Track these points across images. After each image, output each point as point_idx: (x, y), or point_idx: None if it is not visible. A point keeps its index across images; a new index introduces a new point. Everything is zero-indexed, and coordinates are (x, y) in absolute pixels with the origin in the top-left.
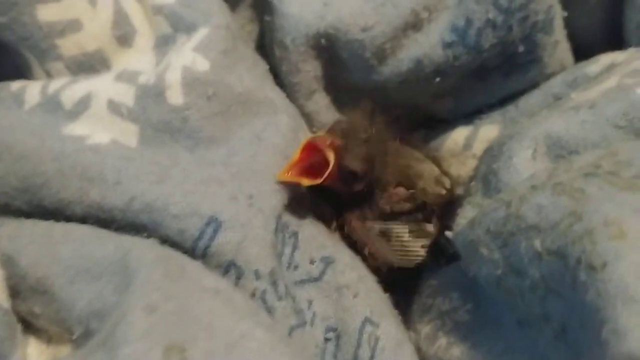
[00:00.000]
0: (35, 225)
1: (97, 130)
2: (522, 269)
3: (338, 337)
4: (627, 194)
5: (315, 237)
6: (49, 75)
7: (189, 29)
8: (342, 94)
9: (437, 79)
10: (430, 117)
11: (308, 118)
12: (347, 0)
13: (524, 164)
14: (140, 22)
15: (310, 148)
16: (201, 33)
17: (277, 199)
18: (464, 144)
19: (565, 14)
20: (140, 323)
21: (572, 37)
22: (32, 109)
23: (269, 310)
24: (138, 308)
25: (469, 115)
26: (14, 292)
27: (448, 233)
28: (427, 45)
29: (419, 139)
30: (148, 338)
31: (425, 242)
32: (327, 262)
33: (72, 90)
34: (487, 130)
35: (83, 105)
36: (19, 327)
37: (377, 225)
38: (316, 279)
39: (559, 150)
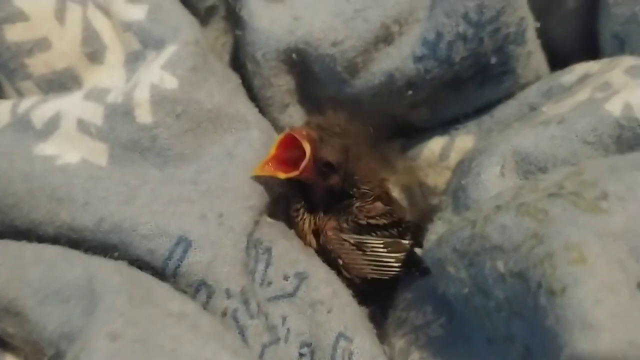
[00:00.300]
0: (6, 247)
1: (67, 150)
2: (488, 289)
3: (312, 353)
4: (590, 217)
5: (289, 253)
6: (19, 94)
7: (158, 45)
8: (317, 106)
9: (410, 92)
10: (407, 126)
11: (282, 131)
12: (317, 14)
13: (492, 181)
14: (110, 39)
15: (287, 142)
16: (169, 50)
17: (248, 216)
18: (440, 153)
19: (538, 24)
20: (103, 350)
21: (547, 46)
22: (2, 128)
23: (241, 329)
24: (101, 335)
25: (446, 125)
26: None
27: (418, 250)
28: (399, 58)
29: (397, 148)
30: None
31: (400, 256)
32: (301, 277)
33: (42, 109)
34: (463, 141)
35: (53, 125)
36: None
37: (353, 238)
38: (290, 295)
39: (528, 166)
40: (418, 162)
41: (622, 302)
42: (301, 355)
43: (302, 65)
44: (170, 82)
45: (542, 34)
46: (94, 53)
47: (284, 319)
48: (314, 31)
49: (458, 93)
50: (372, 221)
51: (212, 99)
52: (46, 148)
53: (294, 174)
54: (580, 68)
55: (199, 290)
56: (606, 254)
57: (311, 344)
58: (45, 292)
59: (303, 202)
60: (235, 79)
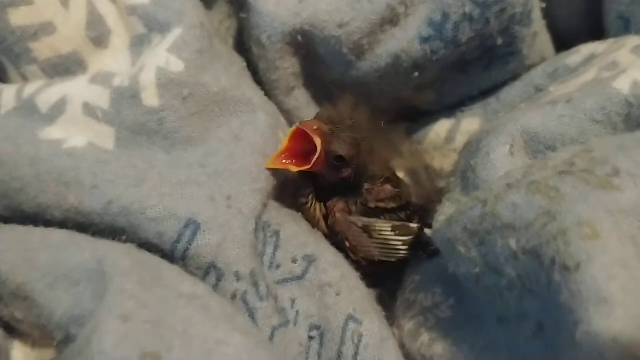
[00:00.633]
0: (13, 231)
1: (74, 134)
2: (499, 267)
3: (322, 335)
4: (601, 193)
5: (297, 236)
6: (24, 78)
7: (163, 29)
8: (322, 89)
9: (416, 73)
10: (413, 109)
11: (288, 115)
12: None
13: (502, 160)
14: (115, 23)
15: (299, 135)
16: (175, 33)
17: (256, 198)
18: (446, 136)
19: (544, 5)
20: (115, 332)
21: (552, 27)
22: (7, 113)
23: (251, 312)
24: (113, 317)
25: (451, 108)
26: None
27: (428, 231)
28: (405, 40)
29: (402, 131)
30: (123, 347)
31: (408, 239)
32: (310, 260)
33: (48, 94)
34: (469, 123)
35: (58, 109)
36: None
37: (361, 221)
38: (299, 278)
39: (537, 146)
40: (424, 145)
41: (636, 277)
42: (310, 337)
43: (307, 48)
44: (177, 65)
45: (547, 15)
46: (99, 37)
47: (293, 301)
48: (320, 13)
49: (464, 75)
50: (381, 204)
51: (218, 82)
52: (52, 132)
53: (305, 167)
54: (586, 49)
55: (208, 273)
56: (618, 229)
57: (320, 326)
58: (54, 276)
59: (312, 190)
60: (240, 62)
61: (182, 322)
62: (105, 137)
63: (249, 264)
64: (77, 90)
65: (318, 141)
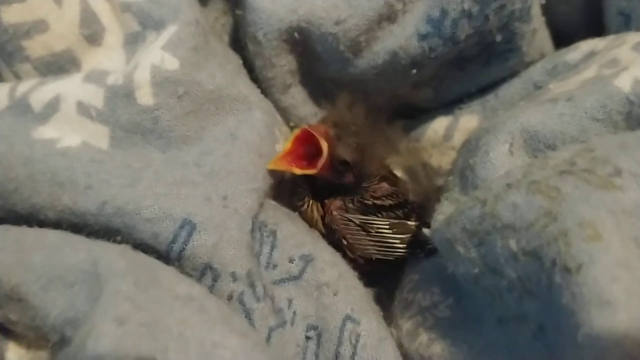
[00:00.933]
0: (7, 232)
1: (67, 133)
2: (499, 268)
3: (319, 336)
4: (603, 193)
5: (294, 235)
6: (17, 77)
7: (158, 26)
8: (319, 87)
9: (414, 71)
10: (411, 107)
11: (285, 113)
12: None
13: (501, 159)
14: (109, 20)
15: (303, 137)
16: (170, 30)
17: (252, 198)
18: (444, 134)
19: (543, 1)
20: (111, 335)
21: (551, 23)
22: (0, 112)
23: (247, 312)
24: (108, 319)
25: (449, 105)
26: None
27: (426, 230)
28: (403, 37)
29: (400, 128)
30: (118, 351)
31: (405, 237)
32: (307, 260)
33: (41, 92)
34: (467, 120)
35: (52, 107)
36: None
37: (358, 218)
38: (296, 278)
39: (537, 145)
40: (421, 142)
41: (638, 278)
42: (308, 338)
43: (304, 45)
44: (171, 63)
45: (546, 11)
46: (92, 35)
47: (290, 301)
48: (316, 10)
49: (463, 72)
50: (378, 202)
51: (213, 80)
52: (46, 131)
53: (311, 171)
54: (586, 45)
55: (204, 273)
56: (621, 230)
57: (318, 326)
58: (48, 277)
59: (309, 191)
60: (236, 60)
61: (178, 324)
62: (99, 136)
63: (245, 264)
64: (70, 88)
65: (325, 145)
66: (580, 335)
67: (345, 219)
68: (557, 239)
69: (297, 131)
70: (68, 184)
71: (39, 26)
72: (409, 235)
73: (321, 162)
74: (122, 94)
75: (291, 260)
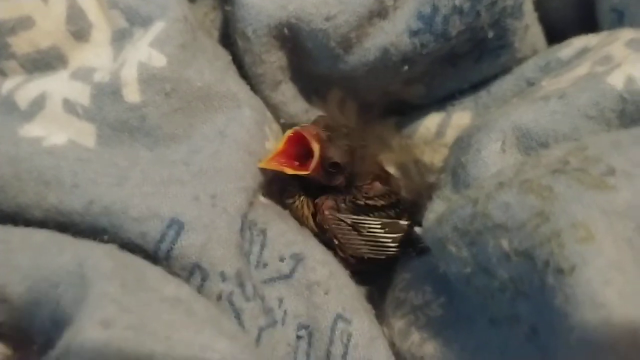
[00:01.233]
0: None
1: (54, 131)
2: (491, 268)
3: (310, 335)
4: (595, 193)
5: (285, 234)
6: (3, 74)
7: (145, 22)
8: (309, 83)
9: (405, 67)
10: (402, 103)
11: (275, 110)
12: None
13: (493, 157)
14: (96, 17)
15: (294, 139)
16: (157, 27)
17: (242, 197)
18: (436, 131)
19: None
20: (96, 339)
21: (544, 19)
22: None
23: (237, 313)
24: (94, 322)
25: (441, 102)
26: None
27: (417, 229)
28: (394, 33)
29: (392, 125)
30: (104, 354)
31: (397, 236)
32: (298, 259)
33: (26, 89)
34: (460, 117)
35: (38, 105)
36: None
37: (349, 218)
38: (287, 277)
39: (529, 142)
40: (413, 139)
41: (632, 281)
42: (299, 337)
43: (294, 41)
44: (159, 60)
45: (539, 7)
46: (79, 31)
47: (281, 301)
48: (306, 6)
49: (454, 68)
50: (370, 202)
51: (202, 77)
52: (32, 129)
53: (303, 172)
54: (579, 42)
55: (192, 273)
56: (614, 231)
57: (309, 326)
58: (33, 278)
59: (300, 189)
60: (225, 56)
61: (165, 327)
62: (86, 134)
63: (234, 263)
64: (56, 86)
65: (316, 147)
66: (573, 338)
67: (337, 218)
68: (550, 240)
69: (288, 132)
70: (54, 183)
71: (24, 22)
72: (401, 234)
73: (313, 164)
74: (108, 92)
75: (282, 259)
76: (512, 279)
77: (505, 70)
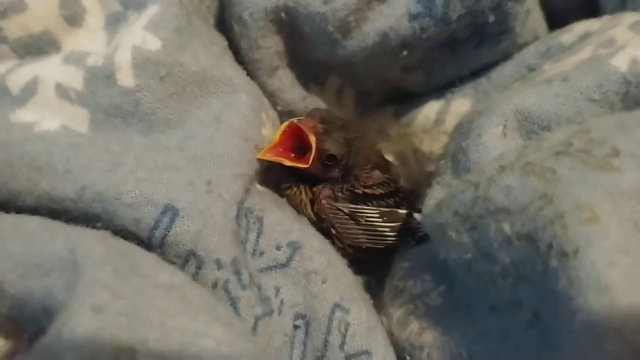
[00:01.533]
0: None
1: (46, 116)
2: (492, 253)
3: (307, 324)
4: (600, 175)
5: (282, 222)
6: None
7: (140, 6)
8: (307, 69)
9: (405, 52)
10: (401, 91)
11: (272, 96)
12: None
13: (494, 142)
14: (90, 1)
15: (291, 131)
16: (152, 10)
17: (238, 183)
18: (435, 118)
19: None
20: (87, 324)
21: (545, 4)
22: None
23: (233, 301)
24: (85, 308)
25: (441, 89)
26: None
27: (417, 215)
28: (393, 17)
29: (390, 113)
30: (95, 341)
31: (396, 225)
32: (295, 247)
33: (18, 74)
34: (459, 104)
35: (30, 90)
36: None
37: (347, 207)
38: (283, 265)
39: (531, 126)
40: (412, 128)
41: (637, 263)
42: (296, 327)
43: (291, 26)
44: (153, 44)
45: None
46: (72, 16)
47: (277, 290)
48: None
49: (454, 54)
50: (369, 191)
51: (197, 61)
52: (24, 115)
53: (302, 165)
54: (580, 27)
55: (187, 261)
56: (619, 213)
57: (306, 315)
58: (25, 266)
59: (297, 178)
60: (221, 41)
61: (159, 313)
62: (79, 119)
63: (230, 251)
64: (49, 70)
65: (313, 139)
66: (577, 322)
67: (334, 207)
68: (553, 222)
69: (285, 125)
70: (46, 169)
71: (16, 6)
72: (399, 223)
73: (311, 156)
74: (102, 76)
75: (278, 248)
76: (514, 264)
77: (506, 56)
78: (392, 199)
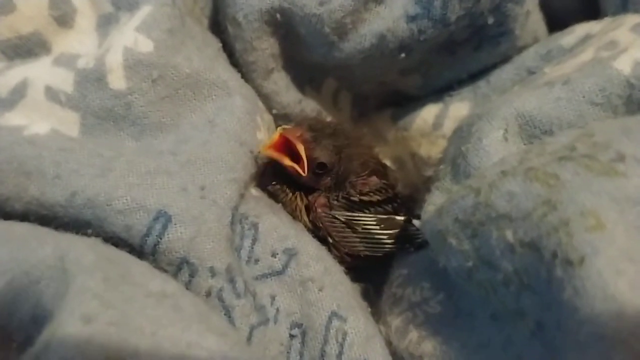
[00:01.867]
0: None
1: (35, 120)
2: (494, 261)
3: (304, 334)
4: (605, 180)
5: (277, 228)
6: None
7: (132, 6)
8: (303, 72)
9: (402, 55)
10: (398, 94)
11: (267, 99)
12: None
13: (495, 146)
14: (80, 1)
15: (280, 142)
16: (144, 11)
17: (232, 189)
18: (433, 122)
19: None
20: (76, 334)
21: (545, 6)
22: None
23: (227, 310)
24: (74, 317)
25: (439, 92)
26: None
27: (416, 222)
28: (390, 18)
29: (387, 117)
30: (85, 352)
31: (393, 232)
32: (291, 254)
33: (7, 76)
34: (458, 108)
35: (19, 93)
36: None
37: (343, 215)
38: (279, 273)
39: (532, 130)
40: (410, 132)
41: None
42: (292, 336)
43: (287, 27)
44: (145, 45)
45: None
46: (62, 16)
47: (273, 298)
48: None
49: (453, 57)
50: (365, 198)
51: (190, 64)
52: (12, 118)
53: (301, 172)
54: (581, 29)
55: (180, 268)
56: (625, 219)
57: (302, 324)
58: (13, 273)
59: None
60: (215, 43)
61: (151, 323)
62: (69, 123)
63: (224, 258)
64: (38, 72)
65: (301, 147)
66: (583, 334)
67: (330, 216)
68: (558, 230)
69: (273, 136)
70: (36, 174)
71: (5, 7)
72: (397, 230)
73: (304, 166)
74: (93, 78)
75: (274, 255)
76: (516, 272)
77: (506, 59)
78: (389, 205)
